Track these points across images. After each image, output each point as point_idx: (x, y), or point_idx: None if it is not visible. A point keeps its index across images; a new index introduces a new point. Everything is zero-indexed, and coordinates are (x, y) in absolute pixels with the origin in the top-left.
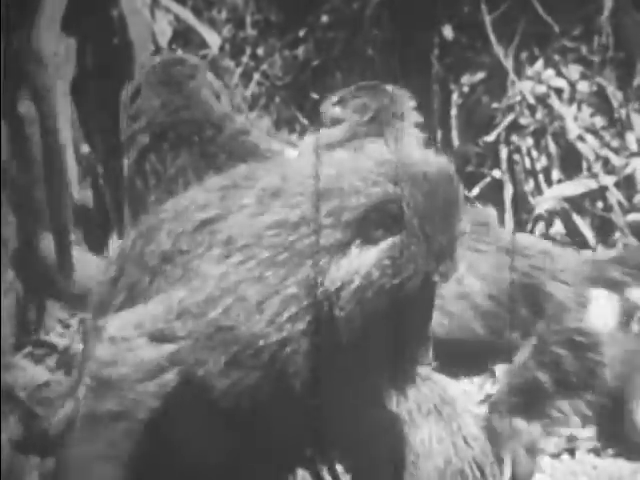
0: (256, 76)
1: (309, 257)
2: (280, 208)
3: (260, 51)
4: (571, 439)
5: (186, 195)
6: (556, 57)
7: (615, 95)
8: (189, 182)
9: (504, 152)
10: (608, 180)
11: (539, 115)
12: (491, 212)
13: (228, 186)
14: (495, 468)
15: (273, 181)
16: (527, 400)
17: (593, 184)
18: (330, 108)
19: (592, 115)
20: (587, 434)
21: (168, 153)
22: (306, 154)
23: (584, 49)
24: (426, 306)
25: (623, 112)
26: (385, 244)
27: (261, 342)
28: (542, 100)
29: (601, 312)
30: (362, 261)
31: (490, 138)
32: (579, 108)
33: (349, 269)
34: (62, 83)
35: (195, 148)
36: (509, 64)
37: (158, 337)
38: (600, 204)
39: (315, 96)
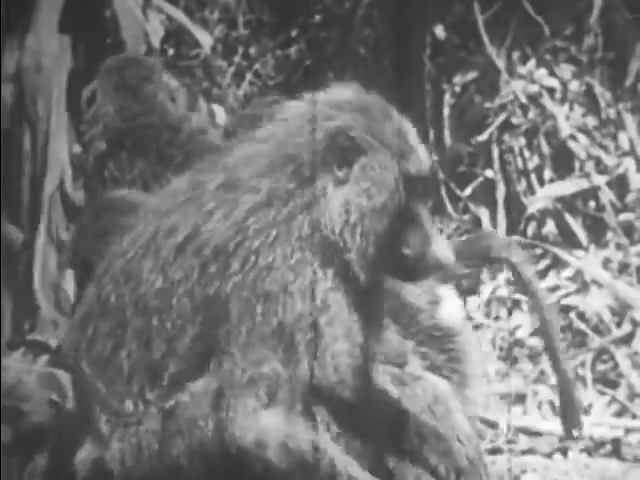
0: (248, 76)
1: (296, 219)
2: (245, 196)
3: (252, 51)
4: (563, 439)
5: (139, 229)
6: (548, 57)
7: (603, 95)
8: (148, 186)
9: (496, 152)
10: (600, 180)
11: (531, 114)
12: None
13: (183, 202)
14: (488, 467)
15: (219, 178)
16: None
17: (585, 184)
18: None
19: (584, 115)
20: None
21: (126, 161)
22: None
23: (574, 49)
24: (423, 199)
25: (612, 112)
26: (355, 172)
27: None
28: (534, 99)
29: (451, 307)
30: (345, 198)
31: (482, 138)
32: (571, 108)
33: (339, 210)
34: (58, 83)
35: (152, 155)
36: (501, 64)
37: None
38: (592, 204)
39: None
